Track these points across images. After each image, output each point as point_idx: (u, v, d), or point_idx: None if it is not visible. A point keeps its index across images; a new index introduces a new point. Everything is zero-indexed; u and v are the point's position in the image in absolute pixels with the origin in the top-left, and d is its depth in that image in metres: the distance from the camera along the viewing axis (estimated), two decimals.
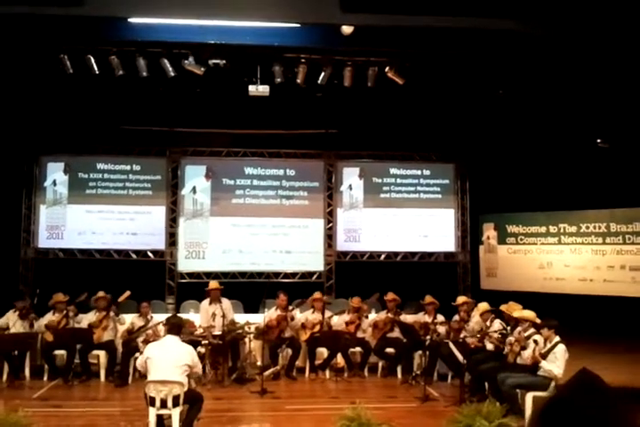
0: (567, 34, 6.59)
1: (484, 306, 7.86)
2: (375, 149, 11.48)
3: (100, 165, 11.33)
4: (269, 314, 8.60)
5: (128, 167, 11.41)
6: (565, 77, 8.09)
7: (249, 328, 8.20)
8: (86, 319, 8.45)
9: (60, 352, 8.22)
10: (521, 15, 6.44)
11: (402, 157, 11.72)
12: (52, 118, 10.34)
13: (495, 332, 7.45)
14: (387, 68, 8.28)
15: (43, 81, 8.87)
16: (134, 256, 11.25)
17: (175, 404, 5.42)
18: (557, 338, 6.44)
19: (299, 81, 8.45)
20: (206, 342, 7.84)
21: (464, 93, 9.27)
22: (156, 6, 6.27)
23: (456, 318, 8.35)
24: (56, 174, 11.23)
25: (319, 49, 8.03)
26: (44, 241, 11.16)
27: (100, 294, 8.54)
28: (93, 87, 8.99)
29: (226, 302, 8.67)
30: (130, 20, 6.76)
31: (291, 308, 8.69)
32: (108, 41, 7.89)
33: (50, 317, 8.45)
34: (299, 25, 6.82)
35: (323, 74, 8.39)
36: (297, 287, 10.45)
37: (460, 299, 8.48)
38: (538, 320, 6.84)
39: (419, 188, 11.71)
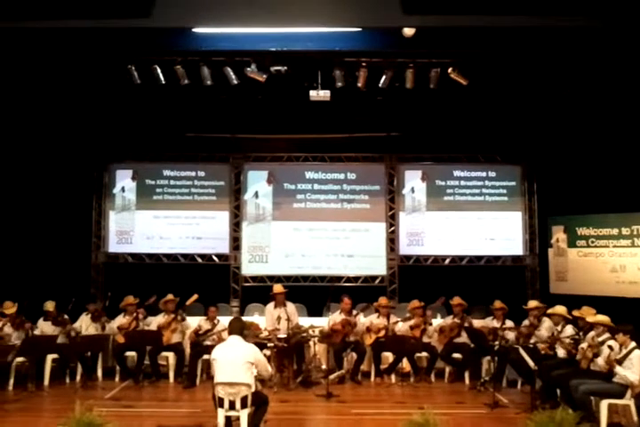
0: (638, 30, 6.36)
1: (561, 309, 7.61)
2: (438, 151, 11.29)
3: (167, 172, 11.62)
4: (333, 318, 8.60)
5: (193, 173, 11.66)
6: (635, 74, 7.79)
7: (313, 332, 8.23)
8: (155, 322, 8.68)
9: (131, 354, 8.48)
10: (589, 11, 6.24)
11: (466, 159, 11.49)
12: (120, 127, 10.69)
13: (567, 337, 7.21)
14: (449, 69, 8.17)
15: (111, 91, 9.18)
16: (200, 260, 11.47)
17: (243, 405, 5.48)
18: (633, 344, 6.20)
19: (359, 85, 8.44)
20: (272, 344, 7.90)
21: (530, 92, 9.05)
22: (220, 16, 6.39)
23: (525, 323, 8.14)
24: (124, 181, 11.59)
25: (380, 52, 8.00)
26: (114, 246, 11.52)
27: (169, 296, 8.76)
28: (159, 96, 9.24)
29: (290, 306, 8.73)
30: (194, 30, 6.92)
31: (355, 312, 8.67)
32: (174, 51, 8.10)
33: (121, 319, 8.73)
34: (360, 29, 6.82)
35: (384, 77, 8.35)
36: (360, 291, 10.42)
37: (532, 303, 8.26)
38: (613, 325, 6.59)
39: (484, 190, 11.46)
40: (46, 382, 8.08)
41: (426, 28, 6.65)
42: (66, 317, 8.58)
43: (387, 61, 8.23)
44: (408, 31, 6.76)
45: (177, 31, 7.08)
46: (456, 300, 8.71)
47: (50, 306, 8.54)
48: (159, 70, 8.36)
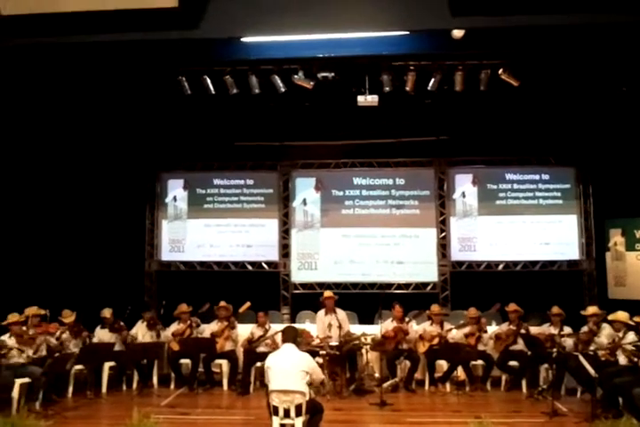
0: None
1: (622, 315, 7.34)
2: (489, 154, 11.10)
3: (217, 181, 11.78)
4: (385, 325, 8.51)
5: (242, 182, 11.78)
6: None
7: (365, 339, 8.15)
8: (209, 329, 8.76)
9: (185, 361, 8.57)
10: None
11: (518, 162, 11.25)
12: (171, 138, 10.89)
13: (629, 344, 6.94)
14: (500, 70, 8.03)
15: (163, 102, 9.37)
16: (250, 268, 11.54)
17: (298, 413, 5.45)
18: None
19: (408, 89, 8.38)
20: (324, 352, 7.86)
21: (583, 92, 8.81)
22: (268, 24, 6.43)
23: (584, 329, 7.87)
24: (176, 191, 11.80)
25: (428, 55, 7.94)
26: (167, 254, 11.73)
27: (222, 303, 8.84)
28: (209, 106, 9.37)
29: (341, 313, 8.68)
30: (242, 39, 6.97)
31: (407, 319, 8.56)
32: (223, 61, 8.20)
33: (175, 326, 8.84)
34: (408, 32, 6.75)
35: (432, 80, 8.27)
36: (411, 298, 10.30)
37: (591, 309, 7.98)
38: None
39: (537, 193, 11.18)
40: (104, 389, 8.21)
41: (475, 28, 6.54)
42: (122, 323, 8.73)
43: (435, 64, 8.15)
44: (457, 33, 6.67)
45: (225, 41, 7.15)
46: (512, 306, 8.50)
47: (107, 313, 8.72)
48: (209, 81, 8.47)
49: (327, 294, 8.91)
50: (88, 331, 8.52)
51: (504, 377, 8.34)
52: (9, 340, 7.43)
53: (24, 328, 7.69)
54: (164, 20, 6.20)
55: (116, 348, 8.48)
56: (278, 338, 7.84)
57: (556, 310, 8.30)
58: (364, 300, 10.43)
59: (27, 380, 7.15)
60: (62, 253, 10.02)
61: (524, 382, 8.12)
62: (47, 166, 9.82)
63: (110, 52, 7.19)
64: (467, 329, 8.44)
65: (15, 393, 6.97)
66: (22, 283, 8.93)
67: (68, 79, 8.18)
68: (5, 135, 8.84)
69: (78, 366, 8.04)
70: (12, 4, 5.96)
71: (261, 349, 8.33)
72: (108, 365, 8.28)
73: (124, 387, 8.50)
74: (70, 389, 8.05)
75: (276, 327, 8.48)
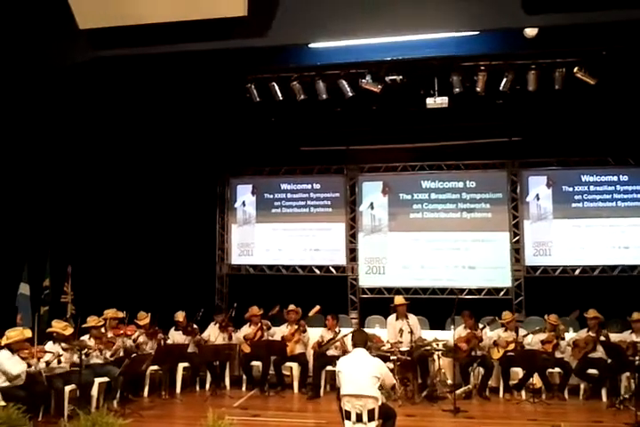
0: None
1: None
2: (564, 155, 10.70)
3: (284, 186, 11.88)
4: (459, 332, 8.35)
5: (309, 186, 11.83)
6: None
7: (437, 345, 8.03)
8: (280, 332, 8.85)
9: (257, 363, 8.68)
10: None
11: (595, 163, 10.80)
12: (240, 144, 11.08)
13: None
14: (575, 69, 7.75)
15: (232, 109, 9.55)
16: (317, 271, 11.57)
17: (370, 418, 5.41)
18: None
19: (478, 89, 8.20)
20: (394, 357, 7.79)
21: None
22: (336, 29, 6.40)
23: None
24: (245, 196, 11.99)
25: (500, 54, 7.74)
26: (237, 258, 11.92)
27: (291, 306, 8.91)
28: (276, 112, 9.48)
29: (412, 318, 8.59)
30: (309, 45, 7.00)
31: (481, 326, 8.38)
32: (290, 68, 8.27)
33: (246, 329, 8.97)
34: (478, 32, 6.62)
35: (504, 80, 8.06)
36: (484, 304, 10.06)
37: None
38: None
39: (615, 195, 10.69)
40: (178, 389, 8.44)
41: (549, 26, 6.34)
42: (195, 326, 8.94)
43: (507, 64, 7.94)
44: (530, 31, 6.47)
45: (293, 48, 7.20)
46: (591, 313, 8.19)
47: (180, 316, 8.94)
48: (277, 87, 8.55)
49: (399, 300, 8.83)
50: (163, 332, 8.75)
51: (582, 385, 8.04)
52: (88, 341, 7.72)
53: (102, 330, 7.98)
54: (233, 28, 6.30)
55: (190, 349, 8.68)
56: (347, 341, 7.87)
57: (636, 315, 7.95)
58: (434, 305, 10.25)
59: (105, 379, 7.43)
60: (138, 257, 10.34)
61: (603, 391, 7.83)
62: (123, 173, 10.17)
63: (182, 62, 7.37)
64: (543, 336, 8.19)
65: (95, 392, 7.25)
66: (101, 286, 9.28)
67: (141, 89, 8.45)
68: (86, 144, 9.24)
69: (154, 367, 8.27)
70: (88, 19, 6.19)
71: (331, 352, 8.35)
72: (181, 366, 8.50)
73: (198, 388, 8.69)
74: (146, 389, 8.31)
75: (346, 332, 8.48)
